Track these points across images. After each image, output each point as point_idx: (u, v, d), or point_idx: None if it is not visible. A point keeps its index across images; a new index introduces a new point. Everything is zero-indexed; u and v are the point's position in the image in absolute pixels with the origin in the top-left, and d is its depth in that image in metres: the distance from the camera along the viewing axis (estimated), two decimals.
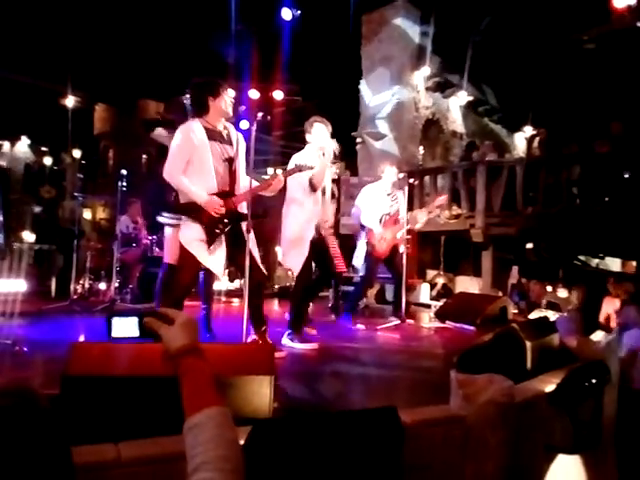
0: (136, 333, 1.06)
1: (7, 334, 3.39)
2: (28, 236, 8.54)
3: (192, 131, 3.13)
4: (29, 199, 10.80)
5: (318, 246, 3.96)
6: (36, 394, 0.72)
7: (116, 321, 1.08)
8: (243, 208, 3.24)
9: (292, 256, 3.88)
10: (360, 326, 4.97)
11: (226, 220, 3.15)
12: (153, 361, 1.75)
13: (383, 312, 5.85)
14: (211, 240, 3.14)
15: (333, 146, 3.98)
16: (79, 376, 1.66)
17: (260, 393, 1.86)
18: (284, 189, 3.70)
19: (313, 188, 3.84)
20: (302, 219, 3.86)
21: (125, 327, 1.07)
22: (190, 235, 3.14)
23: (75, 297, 6.09)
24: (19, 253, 6.88)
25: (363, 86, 9.25)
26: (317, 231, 3.98)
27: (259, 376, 1.87)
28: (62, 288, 6.41)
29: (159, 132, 4.38)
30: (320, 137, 3.95)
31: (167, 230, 4.02)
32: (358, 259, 5.35)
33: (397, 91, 8.92)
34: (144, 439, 1.50)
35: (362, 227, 5.35)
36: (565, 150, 8.40)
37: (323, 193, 4.02)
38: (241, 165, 3.32)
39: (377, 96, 9.05)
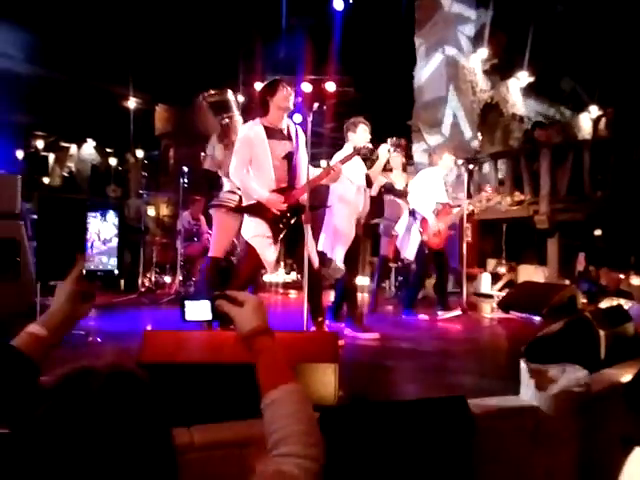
0: (209, 316, 1.09)
1: (80, 326, 3.58)
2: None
3: (251, 132, 3.29)
4: (96, 199, 11.32)
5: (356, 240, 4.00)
6: (136, 371, 0.75)
7: (189, 304, 1.11)
8: (304, 200, 3.30)
9: (338, 247, 3.90)
10: (423, 316, 4.91)
11: (289, 214, 3.23)
12: (223, 348, 1.80)
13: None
14: (275, 236, 3.25)
15: (388, 151, 4.05)
16: (152, 363, 1.72)
17: (325, 381, 1.86)
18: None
19: (369, 184, 3.98)
20: (348, 212, 3.91)
21: (198, 310, 1.11)
22: (254, 230, 3.27)
23: (143, 290, 6.37)
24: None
25: (417, 73, 9.07)
26: (357, 225, 4.01)
27: (324, 364, 1.88)
28: (130, 282, 6.71)
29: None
30: (363, 138, 4.00)
31: (215, 217, 4.10)
32: (410, 250, 5.21)
33: (453, 76, 8.68)
34: (216, 424, 1.54)
35: (413, 215, 5.20)
36: (634, 131, 7.93)
37: (364, 189, 4.05)
38: (302, 159, 3.41)
39: (432, 82, 8.85)
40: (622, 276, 6.21)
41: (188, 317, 1.12)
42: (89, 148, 13.83)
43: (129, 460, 0.66)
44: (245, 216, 3.35)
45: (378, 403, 1.70)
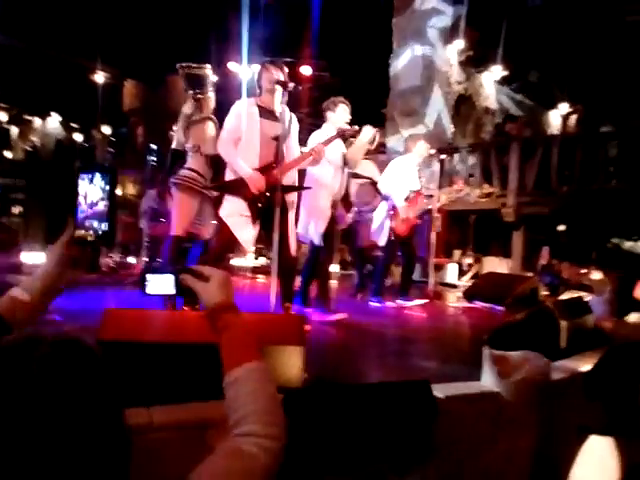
0: (172, 291, 1.05)
1: None
2: None
3: (245, 108, 3.30)
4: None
5: (331, 223, 3.98)
6: (89, 343, 0.71)
7: (151, 278, 1.06)
8: (289, 182, 3.36)
9: (313, 227, 3.89)
10: (390, 303, 4.94)
11: (267, 194, 3.20)
12: (185, 328, 1.75)
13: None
14: (254, 215, 3.23)
15: (370, 132, 4.00)
16: (112, 341, 1.66)
17: (290, 363, 1.84)
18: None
19: (348, 165, 3.98)
20: (324, 192, 3.89)
21: (161, 284, 1.06)
22: (230, 208, 3.24)
23: (105, 270, 6.21)
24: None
25: (393, 61, 9.05)
26: (333, 207, 4.00)
27: (289, 346, 1.86)
28: (92, 261, 6.52)
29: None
30: (342, 118, 4.00)
31: (175, 195, 3.97)
32: (379, 235, 5.20)
33: (428, 65, 8.70)
34: (176, 404, 1.50)
35: (385, 199, 5.19)
36: (602, 128, 8.13)
37: (342, 169, 4.04)
38: (292, 144, 3.44)
39: (408, 71, 8.85)
40: (584, 270, 6.39)
41: (149, 291, 1.07)
42: (54, 122, 13.37)
43: (72, 432, 0.62)
44: (225, 196, 3.32)
45: (342, 385, 1.70)
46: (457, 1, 8.74)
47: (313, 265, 4.03)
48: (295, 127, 3.49)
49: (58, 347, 0.67)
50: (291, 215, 3.39)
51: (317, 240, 3.89)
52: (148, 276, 1.07)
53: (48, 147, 13.38)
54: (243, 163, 3.22)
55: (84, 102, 11.16)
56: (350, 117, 4.04)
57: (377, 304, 4.92)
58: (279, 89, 3.32)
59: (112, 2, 8.35)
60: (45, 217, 6.97)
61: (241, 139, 3.27)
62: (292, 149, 3.44)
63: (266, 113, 3.33)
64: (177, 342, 1.71)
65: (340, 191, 4.08)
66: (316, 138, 3.86)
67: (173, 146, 4.03)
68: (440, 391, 1.78)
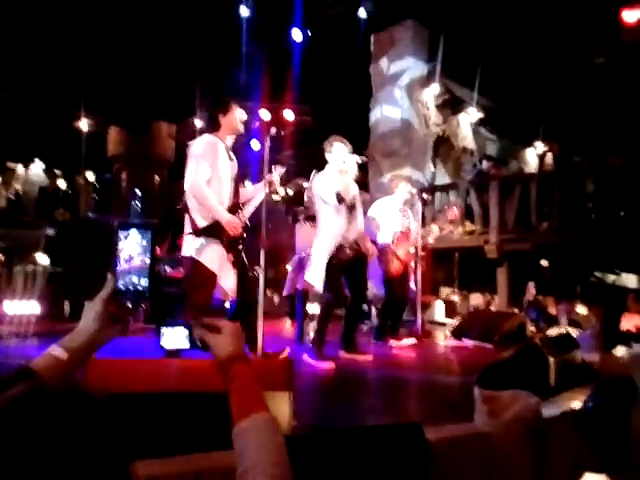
0: (186, 345, 1.07)
1: (21, 355, 3.38)
2: (42, 258, 8.58)
3: (217, 146, 3.15)
4: (43, 222, 10.89)
5: (352, 266, 3.94)
6: (96, 396, 0.72)
7: (166, 331, 1.08)
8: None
9: (312, 272, 3.87)
10: (394, 342, 4.91)
11: (245, 235, 3.18)
12: (173, 377, 1.72)
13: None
14: (235, 258, 3.18)
15: (355, 161, 4.00)
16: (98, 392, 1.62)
17: (278, 410, 1.80)
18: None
19: (340, 201, 3.88)
20: (329, 234, 3.88)
21: (175, 338, 1.08)
22: (213, 255, 3.11)
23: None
24: (33, 275, 6.93)
25: (373, 104, 9.30)
26: (351, 249, 3.97)
27: (277, 392, 1.82)
28: (76, 310, 6.43)
29: None
30: (340, 156, 3.98)
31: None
32: (377, 279, 5.23)
33: (407, 109, 8.94)
34: (176, 456, 1.46)
35: (372, 242, 5.23)
36: (578, 165, 8.37)
37: (351, 209, 4.02)
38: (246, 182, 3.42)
39: (387, 114, 9.08)
40: (569, 306, 6.44)
41: (166, 345, 1.09)
42: (37, 169, 13.35)
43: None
44: (200, 239, 3.12)
45: (331, 430, 1.66)
46: (432, 46, 9.07)
47: (328, 313, 3.97)
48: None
49: (64, 400, 0.67)
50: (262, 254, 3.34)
51: (317, 288, 3.85)
52: (164, 330, 1.08)
53: (31, 195, 13.33)
54: (220, 207, 3.07)
55: (68, 149, 11.22)
56: (348, 151, 3.99)
57: (379, 344, 4.91)
58: (239, 131, 3.29)
59: (96, 50, 8.51)
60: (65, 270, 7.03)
61: (211, 180, 3.09)
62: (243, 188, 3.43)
63: (228, 152, 3.25)
64: (165, 392, 1.67)
65: (351, 229, 4.02)
66: (319, 180, 3.90)
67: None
68: (432, 433, 1.75)
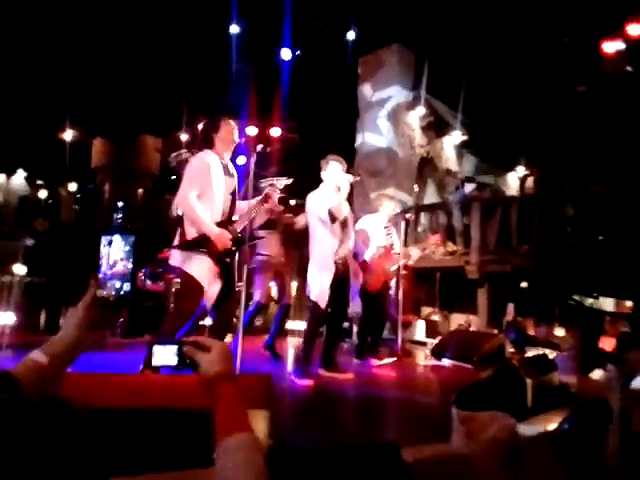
0: (174, 361, 1.08)
1: None
2: (19, 269, 8.43)
3: (209, 161, 3.20)
4: (22, 232, 10.74)
5: (337, 284, 3.96)
6: (74, 407, 0.72)
7: (157, 349, 1.09)
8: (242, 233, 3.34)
9: (318, 289, 3.87)
10: (375, 362, 4.91)
11: (234, 248, 3.20)
12: (146, 392, 1.70)
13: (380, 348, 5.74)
14: (222, 271, 3.19)
15: (349, 181, 4.06)
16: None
17: (255, 428, 1.78)
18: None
19: (333, 219, 3.93)
20: (325, 253, 3.90)
21: (165, 356, 1.09)
22: (201, 267, 3.14)
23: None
24: (9, 286, 6.82)
25: (360, 125, 9.41)
26: (346, 265, 4.00)
27: (254, 410, 1.81)
28: (51, 321, 6.32)
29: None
30: (335, 174, 4.03)
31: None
32: (354, 295, 5.24)
33: (391, 133, 9.06)
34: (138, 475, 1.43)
35: (354, 257, 5.25)
36: (558, 189, 8.53)
37: (343, 227, 4.06)
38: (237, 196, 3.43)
39: (372, 135, 9.19)
40: (547, 328, 6.51)
41: (155, 362, 1.09)
42: (19, 179, 13.21)
43: None
44: (189, 251, 3.16)
45: (305, 450, 1.65)
46: (417, 69, 9.24)
47: (316, 330, 3.98)
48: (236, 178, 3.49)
49: (42, 410, 0.67)
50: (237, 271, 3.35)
51: (322, 304, 3.85)
52: (155, 347, 1.09)
53: (11, 204, 13.15)
54: (208, 221, 3.12)
55: (51, 159, 11.12)
56: (343, 170, 4.06)
57: (359, 362, 4.90)
58: (234, 144, 3.36)
59: (82, 60, 8.50)
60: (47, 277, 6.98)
61: (203, 193, 3.15)
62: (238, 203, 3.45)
63: (224, 168, 3.30)
64: (137, 407, 1.65)
65: (341, 247, 4.06)
66: (313, 197, 3.95)
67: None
68: (409, 454, 1.75)
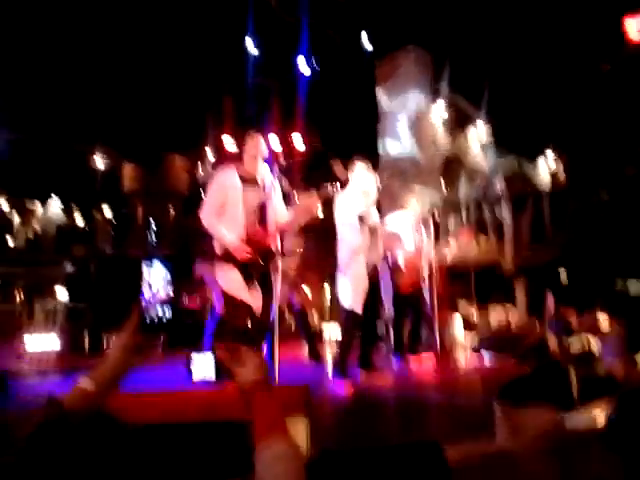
0: (213, 375, 1.12)
1: (41, 390, 3.42)
2: (61, 294, 8.70)
3: (226, 177, 3.37)
4: (61, 259, 11.10)
5: (369, 286, 3.97)
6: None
7: (196, 358, 1.13)
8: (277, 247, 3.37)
9: (349, 296, 3.87)
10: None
11: (261, 262, 3.24)
12: (195, 407, 1.73)
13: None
14: (248, 281, 3.28)
15: (374, 182, 4.07)
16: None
17: (295, 435, 1.79)
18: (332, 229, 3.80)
19: (362, 223, 3.96)
20: (354, 258, 3.90)
21: (203, 367, 1.13)
22: (229, 279, 3.28)
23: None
24: (53, 311, 7.04)
25: (381, 129, 9.38)
26: (374, 271, 4.01)
27: (293, 418, 1.82)
28: (95, 344, 6.49)
29: None
30: (361, 177, 4.03)
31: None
32: (385, 294, 5.20)
33: (413, 132, 9.00)
34: None
35: (384, 257, 5.21)
36: (590, 175, 8.30)
37: (372, 233, 4.07)
38: (276, 209, 3.47)
39: (393, 139, 9.15)
40: (590, 316, 6.31)
41: (195, 377, 1.14)
42: (55, 207, 13.64)
43: None
44: (219, 264, 3.35)
45: (347, 452, 1.65)
46: (436, 69, 9.16)
47: (353, 333, 3.99)
48: (278, 192, 3.54)
49: (90, 422, 0.71)
50: (277, 277, 3.38)
51: (358, 309, 3.85)
52: (193, 355, 1.13)
53: (49, 233, 13.58)
54: (226, 233, 3.25)
55: (84, 186, 11.46)
56: (369, 173, 4.08)
57: (397, 362, 4.88)
58: (261, 156, 3.42)
59: (107, 88, 8.73)
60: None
61: (224, 209, 3.30)
62: (275, 214, 3.47)
63: (247, 181, 3.38)
64: (178, 422, 1.68)
65: (372, 251, 4.07)
66: (342, 200, 3.96)
67: None
68: (452, 452, 1.73)
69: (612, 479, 2.26)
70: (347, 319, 3.94)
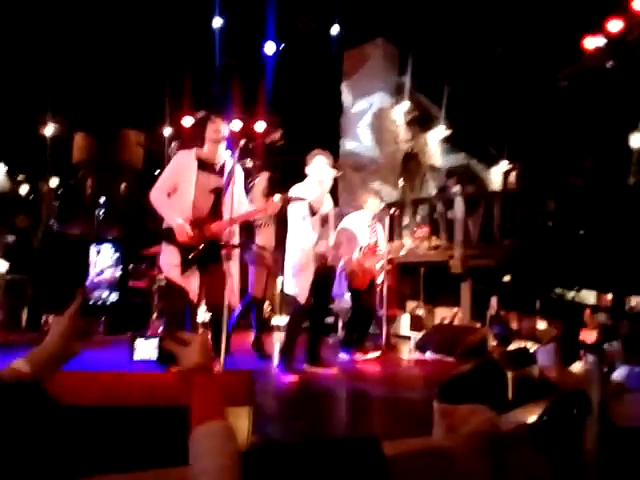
0: (155, 354, 1.11)
1: None
2: (1, 265, 8.31)
3: (184, 158, 3.35)
4: (2, 228, 10.59)
5: (322, 277, 3.97)
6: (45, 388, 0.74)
7: (139, 343, 1.12)
8: (232, 237, 3.29)
9: (297, 283, 3.87)
10: (360, 356, 4.94)
11: (200, 247, 3.20)
12: (134, 391, 1.69)
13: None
14: (185, 265, 3.19)
15: (333, 175, 4.07)
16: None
17: (238, 425, 1.79)
18: (284, 220, 3.78)
19: (312, 213, 3.96)
20: (304, 247, 3.88)
21: (145, 350, 1.12)
22: (168, 260, 3.25)
23: (47, 329, 5.92)
24: None
25: (343, 119, 9.40)
26: (323, 261, 4.01)
27: (236, 407, 1.81)
28: (33, 319, 6.24)
29: None
30: (319, 169, 4.03)
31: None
32: (340, 291, 5.26)
33: (377, 125, 9.07)
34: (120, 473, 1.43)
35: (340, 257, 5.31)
36: (540, 184, 8.62)
37: (323, 223, 4.06)
38: (235, 195, 3.38)
39: (357, 130, 9.19)
40: (531, 320, 6.58)
41: (137, 357, 1.12)
42: None
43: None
44: (163, 243, 3.32)
45: (286, 445, 1.66)
46: (401, 64, 9.25)
47: (296, 324, 3.99)
48: (238, 177, 3.47)
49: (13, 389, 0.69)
50: (232, 267, 3.33)
51: (302, 299, 3.85)
52: (137, 341, 1.12)
53: None
54: (171, 212, 3.24)
55: (32, 154, 10.95)
56: (328, 165, 4.05)
57: (345, 356, 4.92)
58: (222, 142, 3.37)
59: (63, 53, 8.36)
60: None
61: (177, 190, 3.30)
62: (235, 200, 3.39)
63: (205, 165, 3.35)
64: (127, 405, 1.64)
65: (321, 242, 4.05)
66: (295, 191, 3.92)
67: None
68: (390, 448, 1.76)
69: (539, 474, 2.38)
70: (293, 310, 3.98)
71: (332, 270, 4.20)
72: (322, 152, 4.13)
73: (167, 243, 3.27)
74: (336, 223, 5.46)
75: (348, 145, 9.20)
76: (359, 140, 9.08)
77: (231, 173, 3.39)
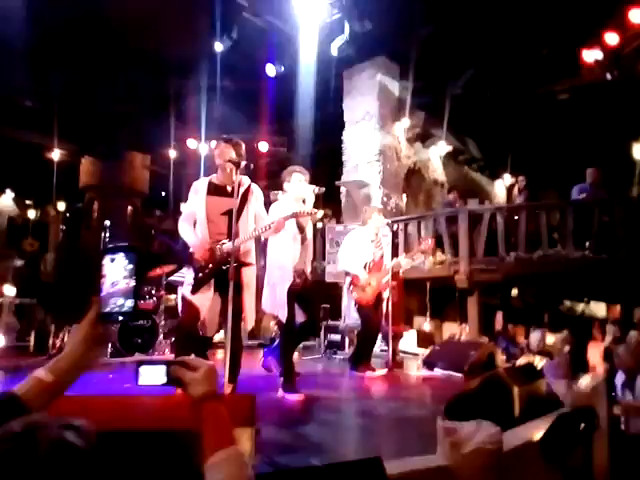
0: (163, 380, 1.10)
1: None
2: (9, 290, 8.39)
3: (196, 187, 3.54)
4: (11, 252, 10.68)
5: (305, 292, 3.99)
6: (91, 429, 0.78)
7: (144, 369, 1.12)
8: (245, 256, 3.39)
9: (268, 301, 3.89)
10: (370, 373, 4.93)
11: (210, 266, 3.25)
12: (140, 414, 1.70)
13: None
14: (197, 285, 3.31)
15: (312, 192, 4.05)
16: None
17: (240, 446, 1.79)
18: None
19: (300, 230, 3.99)
20: (283, 265, 3.90)
21: (152, 375, 1.12)
22: (186, 280, 3.43)
23: (54, 352, 5.95)
24: None
25: (346, 137, 9.46)
26: (303, 277, 4.01)
27: (238, 428, 1.81)
28: (41, 343, 6.27)
29: None
30: (297, 186, 4.05)
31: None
32: (349, 311, 5.29)
33: (379, 142, 9.11)
34: None
35: (346, 274, 5.35)
36: (544, 197, 8.63)
37: (303, 241, 4.06)
38: (247, 216, 3.45)
39: (359, 147, 9.24)
40: (538, 334, 6.52)
41: (142, 382, 1.12)
42: (7, 199, 13.14)
43: None
44: (185, 267, 3.61)
45: (290, 470, 1.66)
46: (402, 82, 9.33)
47: (288, 343, 3.98)
48: (255, 201, 3.54)
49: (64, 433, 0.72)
50: (247, 293, 3.36)
51: (283, 316, 3.85)
52: (142, 367, 1.12)
53: (0, 225, 13.07)
54: (191, 234, 3.41)
55: (39, 179, 11.09)
56: (306, 185, 4.04)
57: (357, 373, 4.93)
58: (229, 165, 3.39)
59: (69, 81, 8.50)
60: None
61: (195, 217, 3.46)
62: (245, 221, 3.43)
63: (216, 190, 3.45)
64: (133, 429, 1.65)
65: (301, 258, 4.05)
66: (274, 210, 3.94)
67: None
68: (393, 467, 1.76)
69: None
70: (282, 330, 4.03)
71: (313, 286, 4.25)
72: (298, 169, 4.16)
73: (188, 265, 3.43)
74: (340, 240, 5.50)
75: (353, 152, 9.26)
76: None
77: (245, 194, 3.43)
